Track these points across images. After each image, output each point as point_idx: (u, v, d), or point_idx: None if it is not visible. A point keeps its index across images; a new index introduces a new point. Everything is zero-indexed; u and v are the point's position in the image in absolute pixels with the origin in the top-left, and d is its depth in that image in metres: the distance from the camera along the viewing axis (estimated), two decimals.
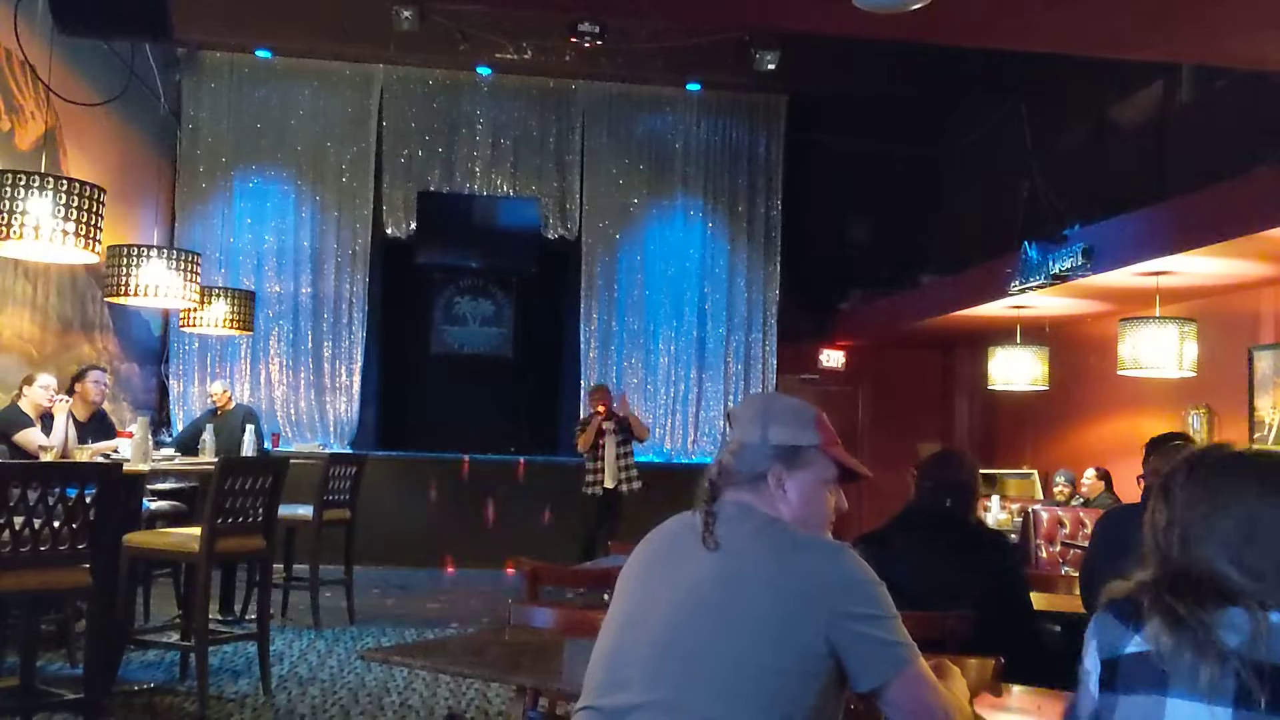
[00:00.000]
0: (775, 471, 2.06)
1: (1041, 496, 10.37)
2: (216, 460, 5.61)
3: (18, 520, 3.85)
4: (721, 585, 1.93)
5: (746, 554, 1.96)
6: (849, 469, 2.12)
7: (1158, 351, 7.78)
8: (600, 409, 9.20)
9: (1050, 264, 8.32)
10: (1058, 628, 4.01)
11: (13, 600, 4.12)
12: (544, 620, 3.26)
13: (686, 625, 1.91)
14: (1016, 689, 2.61)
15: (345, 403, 11.17)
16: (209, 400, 9.35)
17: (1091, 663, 1.67)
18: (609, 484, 9.08)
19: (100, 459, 5.76)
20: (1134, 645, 1.62)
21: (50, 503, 3.94)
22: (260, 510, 5.28)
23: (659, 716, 1.84)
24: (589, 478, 9.17)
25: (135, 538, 5.23)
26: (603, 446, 9.12)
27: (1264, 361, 8.24)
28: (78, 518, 4.02)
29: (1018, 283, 8.75)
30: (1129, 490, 8.49)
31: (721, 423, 11.65)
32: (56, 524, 3.96)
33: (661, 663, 1.89)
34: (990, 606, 3.17)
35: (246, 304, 8.75)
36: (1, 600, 4.01)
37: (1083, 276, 8.14)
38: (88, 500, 4.07)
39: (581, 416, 10.02)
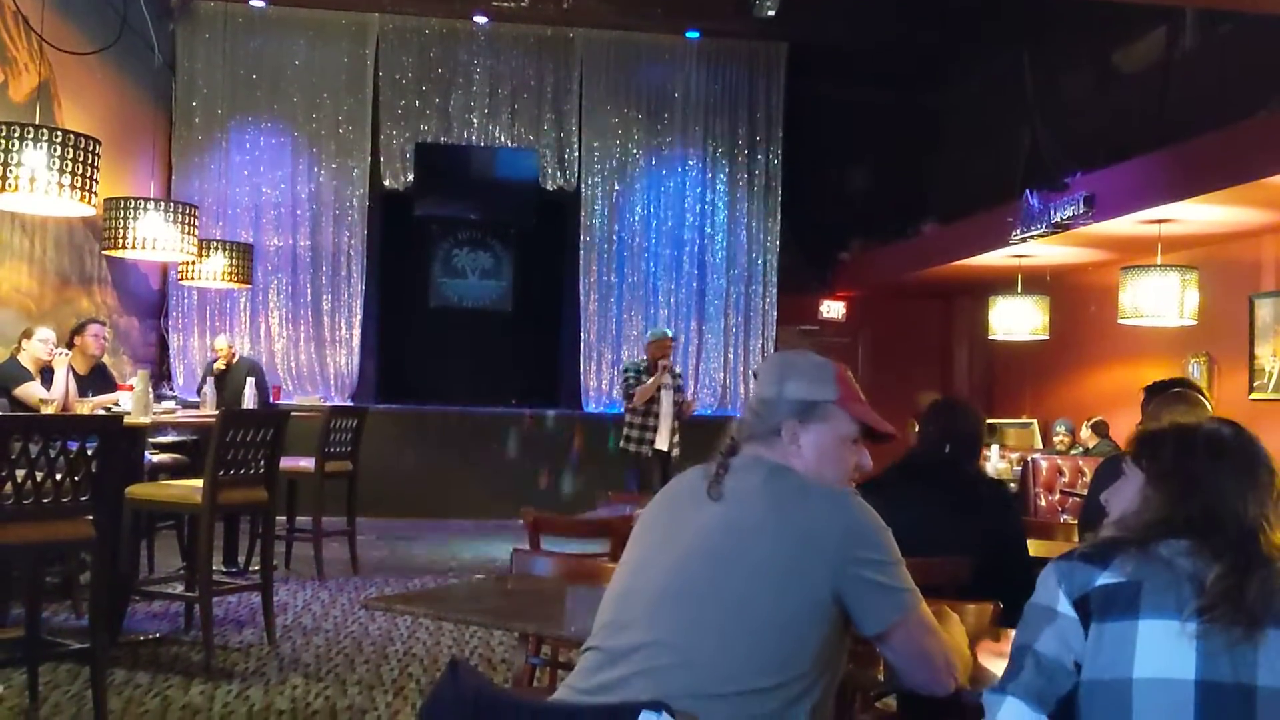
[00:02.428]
0: (789, 426, 2.06)
1: (1041, 446, 10.41)
2: (217, 413, 5.62)
3: (20, 473, 3.86)
4: (726, 533, 1.94)
5: (751, 503, 1.97)
6: (873, 427, 2.12)
7: (1159, 300, 7.77)
8: (663, 361, 8.14)
9: (1051, 212, 8.30)
10: None
11: (16, 552, 4.14)
12: (545, 569, 3.28)
13: (691, 571, 1.93)
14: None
15: (345, 355, 11.17)
16: (211, 354, 9.36)
17: (1064, 605, 1.75)
18: (662, 445, 8.03)
19: (101, 412, 5.77)
20: (1103, 579, 1.73)
21: (52, 455, 3.95)
22: (262, 462, 5.29)
23: (661, 655, 1.86)
24: (635, 434, 8.09)
25: (138, 490, 5.25)
26: (658, 402, 8.07)
27: (1265, 309, 8.23)
28: (79, 470, 4.02)
29: (1019, 231, 8.72)
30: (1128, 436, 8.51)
31: (722, 375, 11.66)
32: (59, 477, 3.97)
33: (665, 606, 1.91)
34: (988, 554, 3.18)
35: (245, 257, 8.73)
36: (5, 552, 4.03)
37: (1084, 225, 8.11)
38: (89, 453, 4.07)
39: (627, 363, 8.97)
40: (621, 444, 8.23)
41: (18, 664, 4.33)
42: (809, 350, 2.20)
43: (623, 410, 8.39)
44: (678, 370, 8.49)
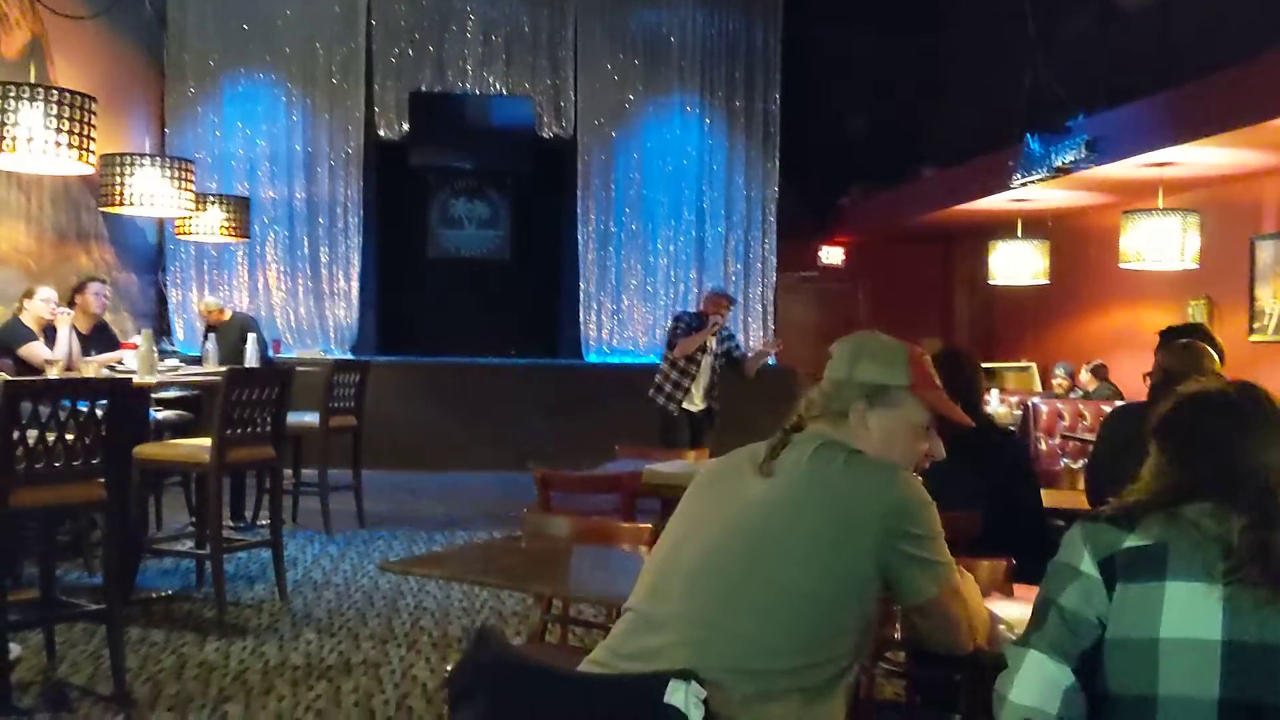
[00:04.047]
0: (858, 408, 2.05)
1: (1040, 389, 10.44)
2: (223, 371, 5.62)
3: (31, 436, 3.87)
4: (771, 510, 1.95)
5: (796, 479, 1.97)
6: (946, 416, 2.10)
7: (1160, 244, 7.76)
8: (720, 319, 7.66)
9: (1052, 156, 8.26)
10: (1062, 522, 4.06)
11: (29, 515, 4.17)
12: (557, 528, 3.31)
13: (732, 548, 1.94)
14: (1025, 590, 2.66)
15: (344, 308, 11.16)
16: (200, 318, 9.28)
17: (1088, 564, 1.77)
18: (693, 405, 7.57)
19: (106, 371, 5.78)
20: (1129, 541, 1.75)
21: (62, 419, 3.96)
22: (268, 420, 5.31)
23: (695, 628, 1.88)
24: (668, 387, 7.58)
25: (146, 449, 5.28)
26: (698, 362, 7.58)
27: (1265, 251, 8.23)
28: (90, 433, 4.04)
29: (1019, 176, 8.69)
30: (1127, 380, 8.54)
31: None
32: (69, 439, 3.99)
33: (701, 580, 1.93)
34: (1001, 505, 3.21)
35: (241, 210, 8.67)
36: (18, 515, 4.05)
37: (1085, 169, 8.07)
38: (99, 415, 4.08)
39: (679, 315, 8.23)
40: (651, 392, 7.69)
41: (34, 625, 4.38)
42: (880, 332, 2.17)
43: (662, 359, 7.89)
44: (728, 332, 7.94)
